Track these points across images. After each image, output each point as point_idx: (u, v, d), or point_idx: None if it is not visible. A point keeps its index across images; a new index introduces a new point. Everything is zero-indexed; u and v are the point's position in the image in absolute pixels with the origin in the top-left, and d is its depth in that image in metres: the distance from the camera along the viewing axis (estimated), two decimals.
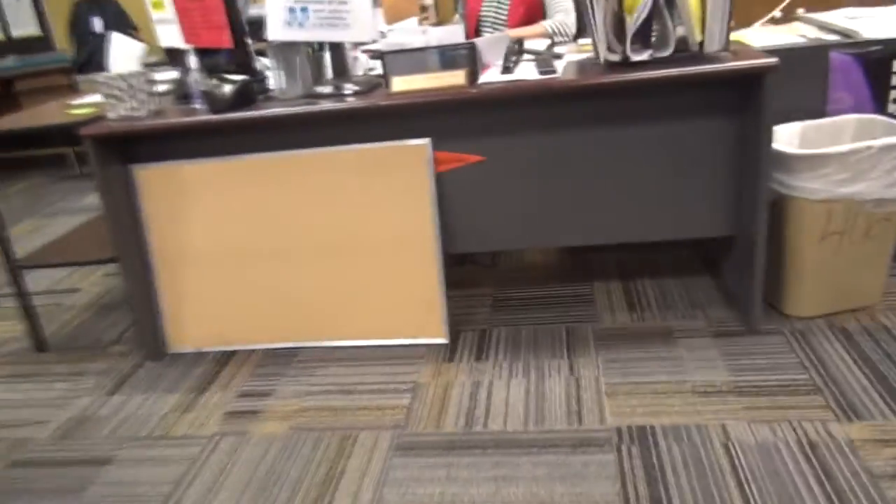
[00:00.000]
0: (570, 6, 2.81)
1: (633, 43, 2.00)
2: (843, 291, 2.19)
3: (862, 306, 2.22)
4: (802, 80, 2.29)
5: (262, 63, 2.43)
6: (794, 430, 1.75)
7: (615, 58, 2.04)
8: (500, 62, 2.22)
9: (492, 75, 2.12)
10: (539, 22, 2.82)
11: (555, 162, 2.16)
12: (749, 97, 2.00)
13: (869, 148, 1.98)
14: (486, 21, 2.93)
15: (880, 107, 2.29)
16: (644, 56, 2.01)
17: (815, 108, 2.32)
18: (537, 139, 2.14)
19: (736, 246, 2.26)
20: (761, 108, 1.94)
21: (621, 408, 1.90)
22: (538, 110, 2.12)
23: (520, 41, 2.37)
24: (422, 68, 2.12)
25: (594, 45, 2.08)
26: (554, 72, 2.07)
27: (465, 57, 2.09)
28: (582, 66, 2.14)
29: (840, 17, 2.49)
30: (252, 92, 2.24)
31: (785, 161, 2.04)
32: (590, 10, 1.99)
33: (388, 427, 1.93)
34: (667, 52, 2.00)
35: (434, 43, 2.15)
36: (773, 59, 1.89)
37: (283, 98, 2.22)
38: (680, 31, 1.99)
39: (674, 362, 2.07)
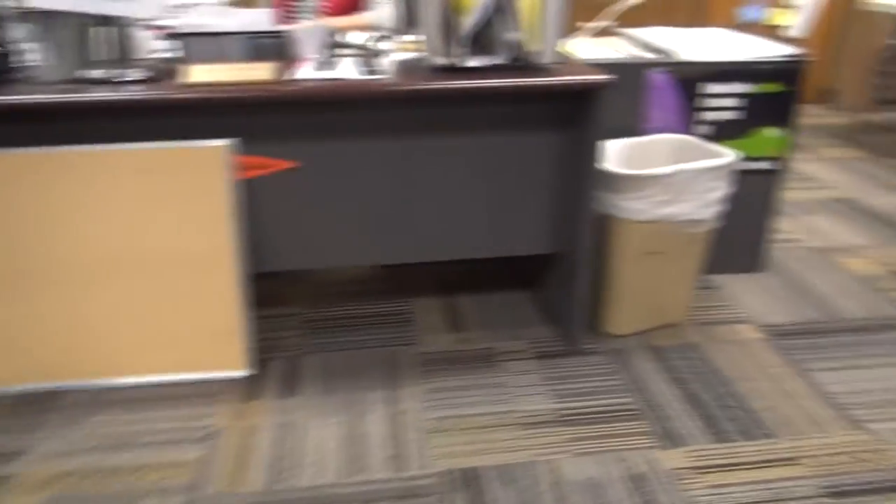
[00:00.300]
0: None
1: (464, 47, 1.84)
2: (657, 309, 2.22)
3: (671, 323, 2.26)
4: (623, 97, 2.28)
5: (17, 34, 1.95)
6: (621, 461, 1.70)
7: (445, 61, 1.87)
8: (317, 56, 1.96)
9: (308, 71, 1.86)
10: (360, 13, 2.58)
11: (376, 171, 1.95)
12: (578, 113, 1.93)
13: (687, 171, 2.00)
14: (300, 8, 2.63)
15: (692, 126, 2.35)
16: (476, 62, 1.86)
17: (634, 126, 2.32)
18: (358, 146, 1.92)
19: (559, 263, 2.20)
20: (590, 125, 1.88)
21: (447, 447, 1.74)
22: (360, 114, 1.89)
23: (339, 33, 2.12)
24: (225, 57, 1.80)
25: (423, 45, 1.90)
26: (378, 72, 1.85)
27: (277, 47, 1.81)
28: (408, 67, 1.95)
29: (657, 36, 2.53)
30: (5, 70, 1.78)
31: (610, 180, 2.00)
32: (420, 9, 1.79)
33: (177, 490, 1.61)
34: (499, 60, 1.87)
35: (241, 28, 1.84)
36: (607, 76, 1.83)
37: (45, 81, 1.79)
38: (513, 38, 1.86)
39: (499, 390, 1.95)
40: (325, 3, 2.60)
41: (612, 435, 1.78)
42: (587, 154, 1.90)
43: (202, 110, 1.81)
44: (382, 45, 2.21)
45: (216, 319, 1.96)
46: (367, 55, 2.04)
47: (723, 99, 2.33)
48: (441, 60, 1.87)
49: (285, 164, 1.93)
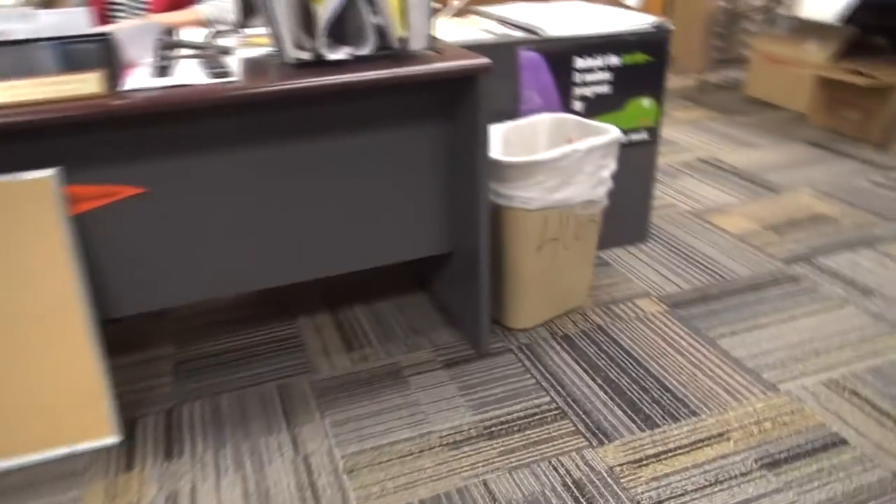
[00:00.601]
0: None
1: (324, 38, 1.63)
2: (558, 297, 2.13)
3: (574, 307, 2.19)
4: (495, 80, 2.15)
5: None
6: (555, 468, 1.58)
7: (305, 56, 1.64)
8: (151, 59, 1.67)
9: (142, 79, 1.57)
10: (192, 6, 2.27)
11: (241, 186, 1.70)
12: (460, 101, 1.77)
13: (576, 152, 1.91)
14: (118, 5, 2.28)
15: (567, 103, 2.28)
16: (341, 54, 1.65)
17: (509, 109, 2.21)
18: (215, 160, 1.66)
19: (453, 262, 2.06)
20: (474, 112, 1.73)
21: (369, 487, 1.55)
22: (213, 124, 1.63)
23: (173, 31, 1.84)
24: (34, 69, 1.48)
25: (275, 38, 1.66)
26: (228, 73, 1.59)
27: (100, 53, 1.51)
28: (262, 65, 1.71)
29: (516, 13, 2.43)
30: None
31: (498, 170, 1.88)
32: (267, 3, 1.56)
33: None
34: (367, 50, 1.67)
35: (49, 33, 1.51)
36: (485, 60, 1.69)
37: None
38: (379, 25, 1.67)
39: (412, 410, 1.78)
40: None
41: (541, 441, 1.66)
42: (474, 143, 1.75)
43: (14, 136, 1.48)
44: (225, 42, 1.94)
45: (70, 382, 1.64)
46: (211, 55, 1.77)
47: (595, 73, 2.27)
48: (299, 55, 1.64)
49: (130, 191, 1.63)
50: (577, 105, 2.29)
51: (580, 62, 2.24)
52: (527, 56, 2.17)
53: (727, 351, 1.96)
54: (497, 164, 1.85)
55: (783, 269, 2.37)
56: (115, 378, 1.69)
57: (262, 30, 2.17)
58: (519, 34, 2.22)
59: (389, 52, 1.71)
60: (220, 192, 1.68)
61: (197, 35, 2.00)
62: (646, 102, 2.37)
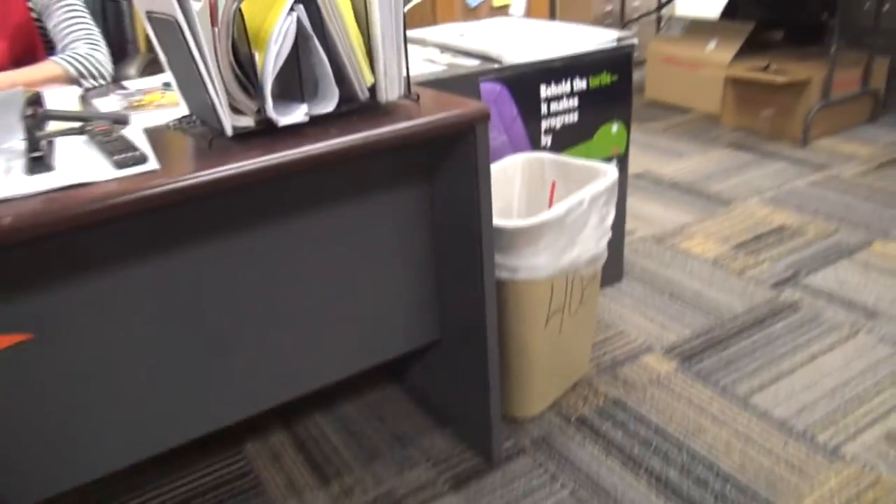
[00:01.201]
0: (97, 33, 1.79)
1: (271, 96, 1.19)
2: (564, 371, 1.80)
3: (579, 379, 1.87)
4: None
5: None
6: None
7: (248, 123, 1.20)
8: (17, 144, 1.16)
9: (10, 181, 1.05)
10: (46, 60, 1.72)
11: (166, 307, 1.23)
12: (448, 158, 1.39)
13: (581, 202, 1.58)
14: None
15: (535, 139, 1.95)
16: (297, 116, 1.22)
17: None
18: (125, 277, 1.17)
19: (439, 349, 1.67)
20: (474, 172, 1.36)
21: None
22: (120, 229, 1.15)
23: (38, 96, 1.32)
24: None
25: (192, 101, 1.21)
26: (141, 158, 1.12)
27: None
28: (177, 138, 1.24)
29: (455, 37, 2.06)
30: None
31: (500, 238, 1.51)
32: (190, 50, 1.10)
33: None
34: (329, 107, 1.25)
35: None
36: (481, 105, 1.32)
37: None
38: (342, 74, 1.26)
39: None
40: None
41: None
42: (473, 208, 1.38)
43: None
44: (107, 104, 1.45)
45: None
46: (103, 128, 1.28)
47: (562, 101, 1.95)
48: (240, 123, 1.20)
49: (11, 339, 1.12)
50: (545, 139, 1.97)
51: (546, 90, 1.92)
52: (488, 88, 1.82)
53: (766, 411, 1.71)
54: (501, 232, 1.48)
55: (776, 297, 2.17)
56: None
57: (150, 82, 1.68)
58: (473, 63, 1.86)
59: (356, 105, 1.30)
60: (137, 318, 1.20)
61: (68, 98, 1.49)
62: (615, 127, 2.10)
